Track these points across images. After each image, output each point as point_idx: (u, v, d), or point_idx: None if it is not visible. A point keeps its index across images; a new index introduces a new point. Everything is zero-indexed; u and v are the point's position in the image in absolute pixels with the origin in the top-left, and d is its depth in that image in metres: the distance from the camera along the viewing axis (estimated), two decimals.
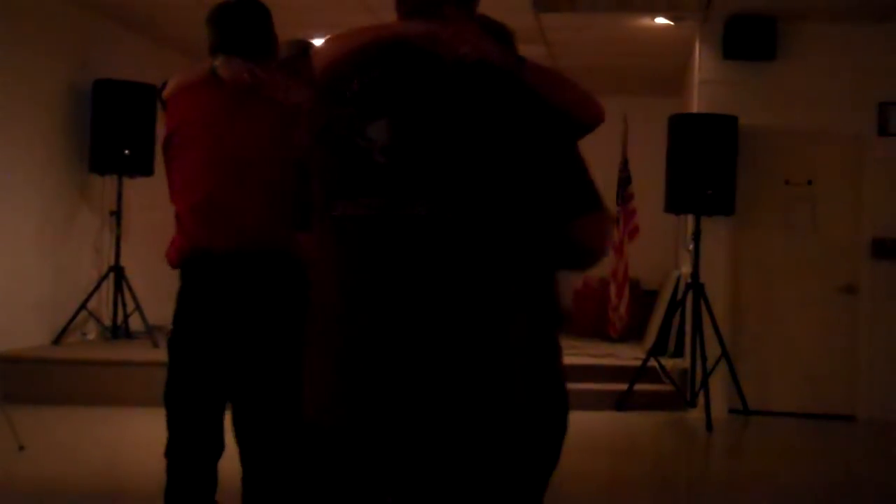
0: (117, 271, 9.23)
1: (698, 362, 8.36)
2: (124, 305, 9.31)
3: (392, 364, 2.20)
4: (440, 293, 2.20)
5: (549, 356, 2.45)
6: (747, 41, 8.71)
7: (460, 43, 2.36)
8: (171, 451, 3.60)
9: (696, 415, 8.36)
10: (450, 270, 2.21)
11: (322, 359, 2.31)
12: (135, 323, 9.31)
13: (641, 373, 8.59)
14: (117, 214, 9.35)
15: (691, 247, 8.55)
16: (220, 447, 3.61)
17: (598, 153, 11.68)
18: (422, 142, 2.25)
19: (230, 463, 3.61)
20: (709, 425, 8.06)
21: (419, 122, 2.26)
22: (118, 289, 9.26)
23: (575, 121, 2.49)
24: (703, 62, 9.02)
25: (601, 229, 2.41)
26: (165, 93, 3.67)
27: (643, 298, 11.64)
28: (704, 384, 8.25)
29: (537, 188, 2.29)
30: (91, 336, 9.45)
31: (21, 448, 6.27)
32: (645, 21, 9.13)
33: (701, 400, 8.25)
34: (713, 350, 8.32)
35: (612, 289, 11.13)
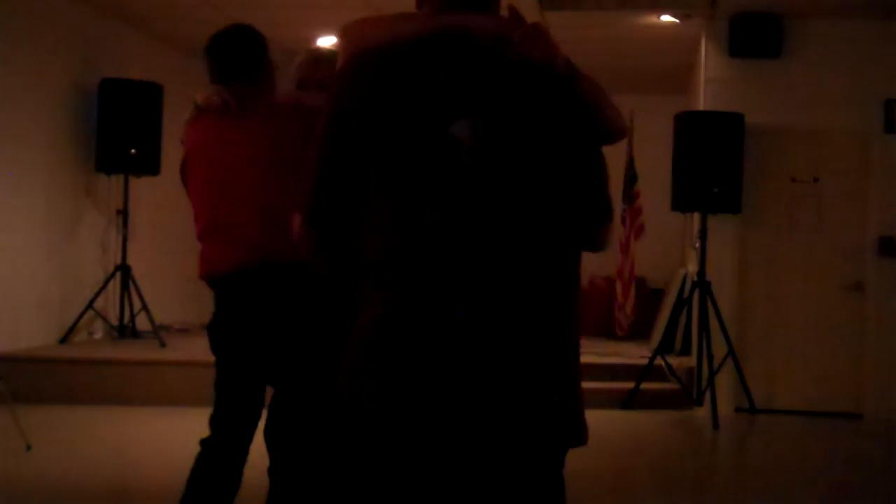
0: (124, 271, 9.24)
1: (705, 361, 8.35)
2: (131, 305, 9.32)
3: (467, 373, 2.14)
4: (518, 295, 2.19)
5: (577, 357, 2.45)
6: (753, 39, 8.71)
7: (532, 45, 2.29)
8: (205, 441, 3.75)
9: (702, 413, 8.36)
10: (526, 274, 2.19)
11: (378, 364, 2.20)
12: (142, 322, 9.33)
13: (648, 371, 8.59)
14: (124, 214, 9.36)
15: (697, 245, 8.54)
16: (248, 441, 3.75)
17: (604, 151, 11.59)
18: (502, 144, 2.20)
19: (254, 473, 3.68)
20: (715, 424, 8.06)
21: (499, 124, 2.21)
22: (125, 288, 9.27)
23: (607, 132, 2.50)
24: (708, 60, 9.02)
25: (607, 239, 2.44)
26: (181, 135, 3.89)
27: (649, 297, 11.64)
28: (711, 382, 8.24)
29: (579, 195, 2.30)
30: (98, 335, 9.46)
31: (28, 448, 6.28)
32: (650, 19, 9.13)
33: (707, 398, 8.24)
34: (720, 348, 8.31)
35: (619, 287, 11.12)
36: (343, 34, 2.46)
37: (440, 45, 2.27)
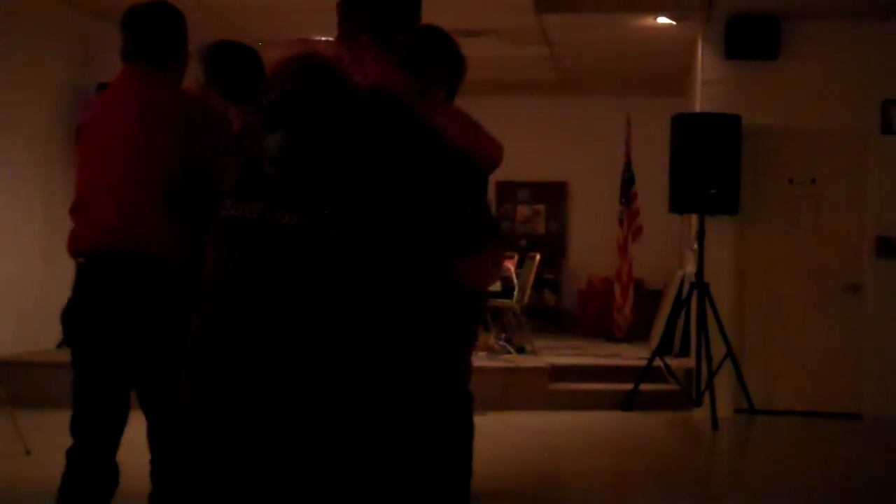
0: None
1: (703, 362, 8.35)
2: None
3: (237, 351, 2.37)
4: (283, 295, 2.36)
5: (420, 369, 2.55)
6: (750, 40, 8.71)
7: (356, 69, 2.48)
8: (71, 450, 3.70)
9: (701, 414, 8.36)
10: (295, 277, 2.37)
11: (190, 341, 2.49)
12: None
13: (647, 373, 8.59)
14: None
15: (695, 246, 8.55)
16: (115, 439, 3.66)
17: (602, 154, 11.65)
18: (305, 158, 2.40)
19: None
20: (714, 424, 8.06)
21: (307, 139, 2.40)
22: None
23: (471, 162, 2.58)
24: (705, 62, 9.03)
25: (481, 269, 2.52)
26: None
27: (648, 298, 11.65)
28: (710, 383, 8.24)
29: (414, 221, 2.42)
30: None
31: (28, 452, 6.28)
32: (647, 21, 9.14)
33: (706, 399, 8.24)
34: (718, 349, 8.31)
35: (617, 289, 11.15)
36: (265, 61, 2.84)
37: (296, 66, 2.53)
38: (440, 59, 2.98)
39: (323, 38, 2.61)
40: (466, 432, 2.92)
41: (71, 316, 3.69)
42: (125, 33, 3.79)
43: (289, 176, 2.39)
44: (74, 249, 3.70)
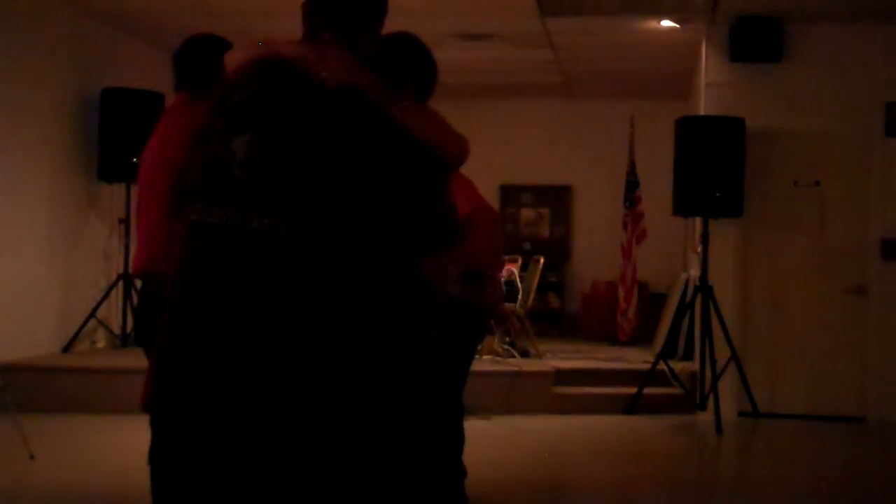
0: (126, 279, 9.25)
1: (707, 365, 8.34)
2: (134, 313, 9.32)
3: (205, 355, 2.36)
4: (255, 300, 2.35)
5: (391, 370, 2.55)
6: (753, 43, 8.71)
7: (322, 68, 2.46)
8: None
9: (705, 418, 8.35)
10: (267, 280, 2.35)
11: (158, 348, 2.49)
12: None
13: (651, 376, 8.58)
14: (126, 222, 9.36)
15: (699, 249, 8.54)
16: None
17: (606, 157, 11.63)
18: (276, 161, 2.39)
19: None
20: (718, 428, 8.05)
21: (278, 142, 2.39)
22: (127, 297, 9.27)
23: (438, 158, 2.57)
24: (709, 64, 9.02)
25: (443, 267, 2.53)
26: None
27: (652, 302, 11.65)
28: (714, 387, 8.23)
29: (384, 219, 2.41)
30: (100, 344, 9.47)
31: (31, 457, 6.28)
32: (651, 24, 9.13)
33: (710, 403, 8.23)
34: (722, 353, 8.30)
35: (621, 292, 11.14)
36: (226, 63, 2.77)
37: (260, 68, 2.53)
38: (411, 68, 2.96)
39: (286, 40, 2.60)
40: (448, 437, 2.91)
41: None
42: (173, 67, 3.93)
43: (259, 179, 2.39)
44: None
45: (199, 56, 3.83)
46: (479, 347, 8.85)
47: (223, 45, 3.79)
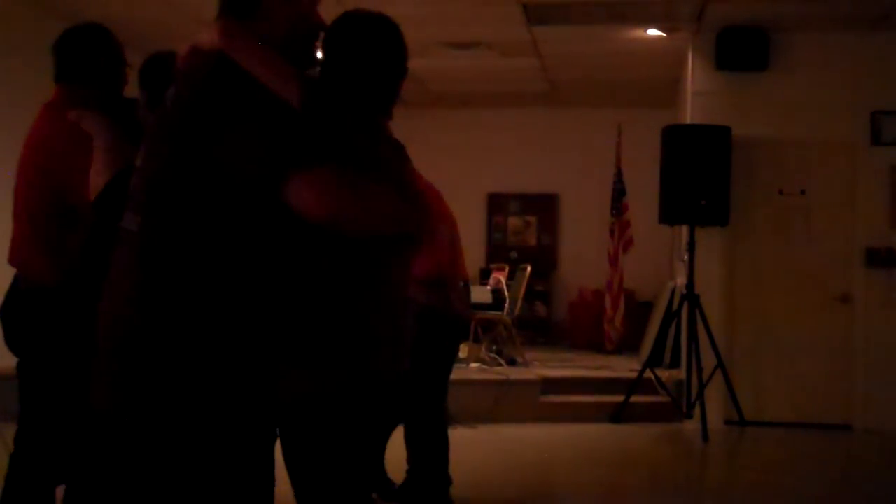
0: None
1: (694, 373, 8.35)
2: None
3: (112, 355, 2.39)
4: (136, 299, 2.37)
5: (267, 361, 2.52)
6: (740, 52, 8.74)
7: (203, 39, 2.48)
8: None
9: (692, 426, 8.35)
10: (154, 283, 2.37)
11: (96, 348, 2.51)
12: None
13: (637, 384, 8.58)
14: None
15: (686, 257, 8.55)
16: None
17: (593, 165, 11.61)
18: (146, 164, 2.44)
19: None
20: (705, 436, 8.06)
21: (161, 147, 2.41)
22: None
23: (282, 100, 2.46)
24: (695, 73, 9.05)
25: (316, 189, 2.38)
26: None
27: (638, 310, 11.66)
28: (700, 395, 8.24)
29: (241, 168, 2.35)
30: None
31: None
32: (638, 33, 9.15)
33: (697, 411, 8.24)
34: (709, 361, 8.31)
35: (607, 300, 11.14)
36: None
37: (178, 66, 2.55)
38: (367, 50, 2.75)
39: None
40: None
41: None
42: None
43: (139, 183, 2.46)
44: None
45: (77, 48, 3.71)
46: (463, 357, 8.87)
47: (105, 37, 3.73)
